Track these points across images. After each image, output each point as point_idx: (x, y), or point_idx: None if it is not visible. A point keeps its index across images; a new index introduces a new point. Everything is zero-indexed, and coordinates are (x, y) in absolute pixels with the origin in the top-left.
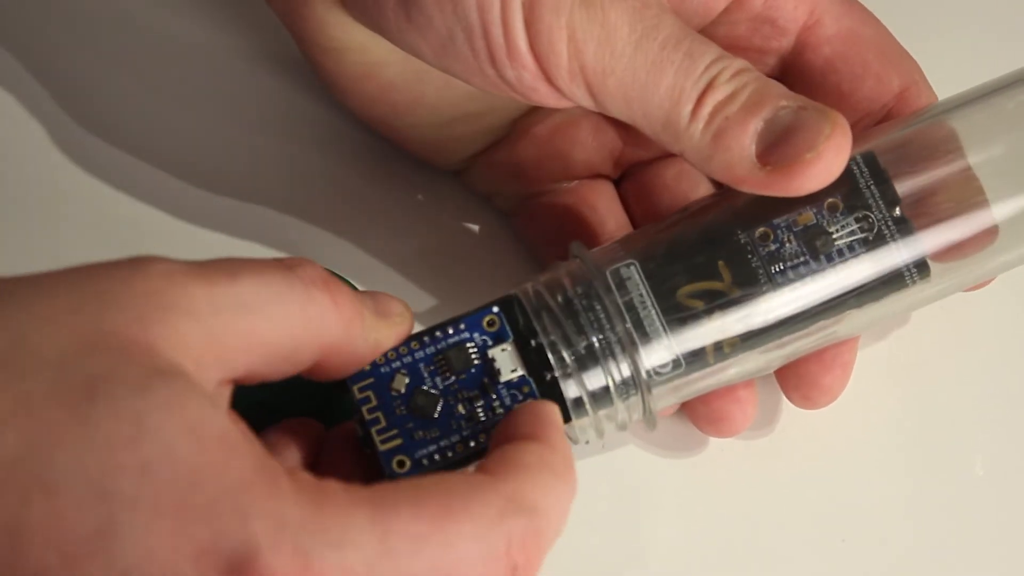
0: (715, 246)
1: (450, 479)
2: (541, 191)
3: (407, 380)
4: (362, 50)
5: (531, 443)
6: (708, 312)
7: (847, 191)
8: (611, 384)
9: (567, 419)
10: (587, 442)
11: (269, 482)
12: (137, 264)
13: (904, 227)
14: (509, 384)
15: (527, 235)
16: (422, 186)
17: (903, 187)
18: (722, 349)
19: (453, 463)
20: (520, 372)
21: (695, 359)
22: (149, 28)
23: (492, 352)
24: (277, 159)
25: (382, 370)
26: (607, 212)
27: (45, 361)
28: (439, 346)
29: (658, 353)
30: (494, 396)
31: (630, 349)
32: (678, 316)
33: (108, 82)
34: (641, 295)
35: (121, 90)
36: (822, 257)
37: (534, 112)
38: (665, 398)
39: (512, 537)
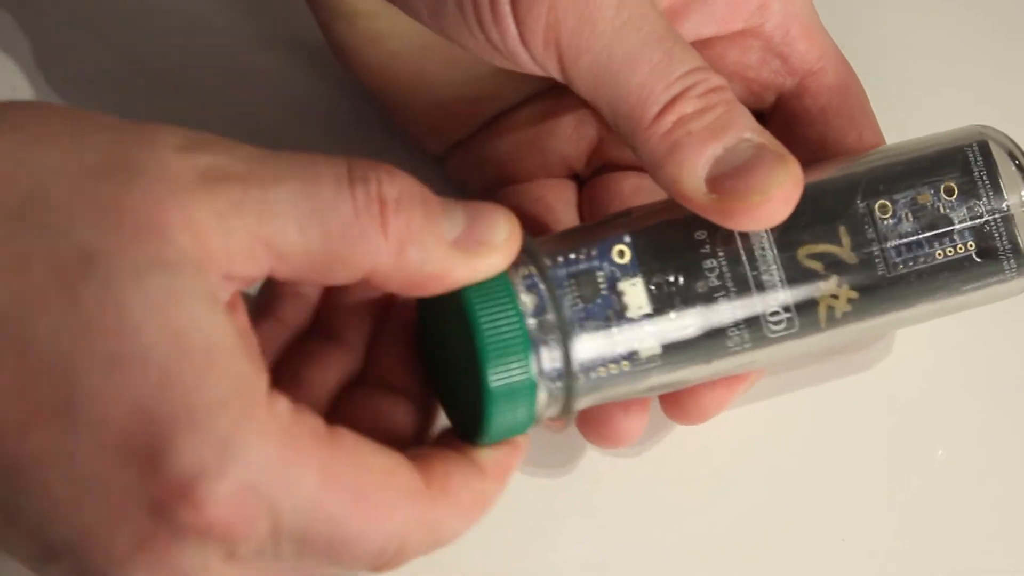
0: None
1: (401, 476)
2: (510, 183)
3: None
4: (372, 16)
5: (478, 477)
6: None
7: (961, 178)
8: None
9: None
10: None
11: (242, 408)
12: (183, 151)
13: (1009, 220)
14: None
15: None
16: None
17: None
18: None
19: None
20: (647, 310)
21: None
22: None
23: (622, 284)
24: (272, 137)
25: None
26: (561, 214)
27: (54, 222)
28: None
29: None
30: None
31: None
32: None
33: (97, 57)
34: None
35: (108, 65)
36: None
37: (525, 105)
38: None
39: (397, 553)
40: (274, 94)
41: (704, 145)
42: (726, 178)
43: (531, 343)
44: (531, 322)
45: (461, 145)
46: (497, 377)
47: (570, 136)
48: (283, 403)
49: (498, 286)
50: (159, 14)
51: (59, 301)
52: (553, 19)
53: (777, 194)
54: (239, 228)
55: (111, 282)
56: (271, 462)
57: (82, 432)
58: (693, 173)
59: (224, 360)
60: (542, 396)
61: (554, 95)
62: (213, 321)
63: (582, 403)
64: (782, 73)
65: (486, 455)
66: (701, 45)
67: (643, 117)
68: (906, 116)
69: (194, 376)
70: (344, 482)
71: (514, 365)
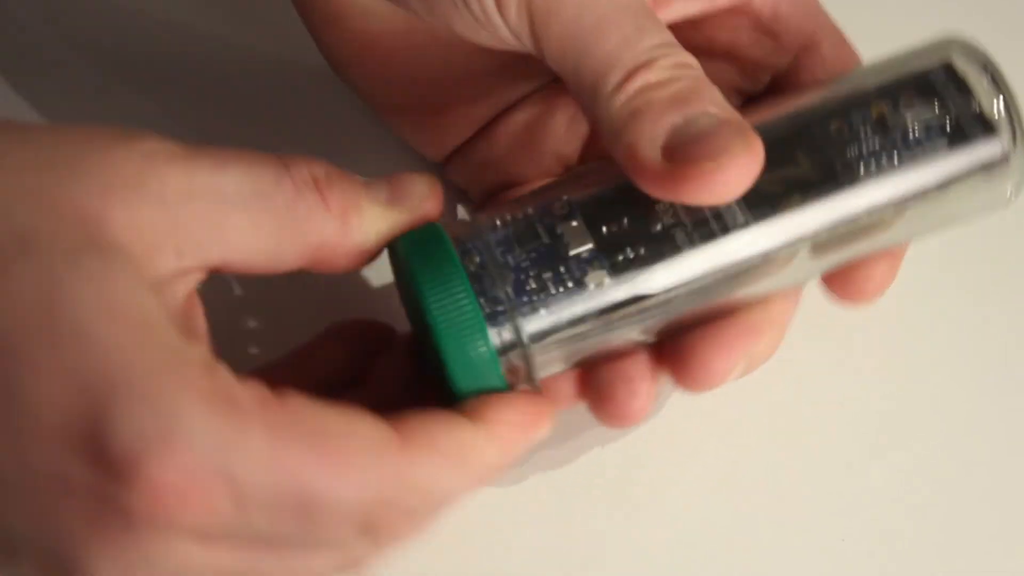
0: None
1: (364, 427)
2: (509, 185)
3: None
4: (362, 17)
5: (468, 429)
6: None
7: (924, 94)
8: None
9: None
10: None
11: (180, 372)
12: (123, 139)
13: (985, 120)
14: None
15: None
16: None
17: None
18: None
19: None
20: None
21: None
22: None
23: (562, 227)
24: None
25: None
26: None
27: None
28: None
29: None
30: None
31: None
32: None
33: (90, 64)
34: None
35: (102, 74)
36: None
37: (518, 107)
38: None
39: (382, 516)
40: (275, 106)
41: (664, 113)
42: (682, 145)
43: (478, 296)
44: (475, 287)
45: (459, 151)
46: (454, 350)
47: (563, 134)
48: (223, 371)
49: (441, 256)
50: (158, 25)
51: None
52: None
53: (731, 163)
54: (186, 216)
55: (46, 262)
56: (216, 425)
57: (18, 405)
58: (651, 138)
59: (160, 331)
60: (502, 360)
61: (546, 95)
62: (147, 299)
63: (542, 364)
64: (775, 52)
65: (488, 407)
66: (690, 27)
67: (606, 84)
68: None
69: (131, 345)
70: (296, 435)
71: (468, 328)
